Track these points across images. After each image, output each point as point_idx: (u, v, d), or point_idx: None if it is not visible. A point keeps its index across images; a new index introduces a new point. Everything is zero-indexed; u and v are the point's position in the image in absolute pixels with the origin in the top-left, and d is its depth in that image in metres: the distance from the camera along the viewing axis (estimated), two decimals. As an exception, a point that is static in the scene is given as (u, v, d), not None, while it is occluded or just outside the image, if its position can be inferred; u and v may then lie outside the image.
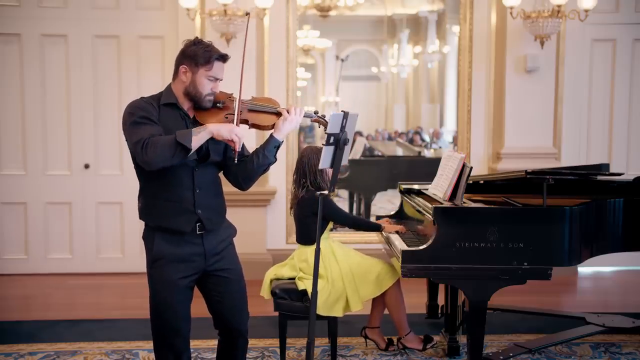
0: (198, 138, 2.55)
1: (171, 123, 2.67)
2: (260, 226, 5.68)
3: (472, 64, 5.85)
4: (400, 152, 7.86)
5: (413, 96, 8.43)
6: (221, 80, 2.74)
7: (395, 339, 4.02)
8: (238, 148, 2.58)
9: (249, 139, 3.02)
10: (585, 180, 3.93)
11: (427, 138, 8.17)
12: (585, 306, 4.97)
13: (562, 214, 3.36)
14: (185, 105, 2.73)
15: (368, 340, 4.05)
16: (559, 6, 5.24)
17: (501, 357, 3.59)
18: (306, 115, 2.81)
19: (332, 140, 2.78)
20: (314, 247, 3.64)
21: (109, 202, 5.86)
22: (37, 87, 5.76)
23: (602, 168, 4.11)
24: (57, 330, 4.41)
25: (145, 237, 2.82)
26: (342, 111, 2.78)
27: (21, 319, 4.72)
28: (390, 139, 8.20)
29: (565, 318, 4.37)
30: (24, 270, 5.84)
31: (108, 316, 4.74)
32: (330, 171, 3.76)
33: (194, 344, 3.41)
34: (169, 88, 2.75)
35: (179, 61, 2.71)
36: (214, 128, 2.57)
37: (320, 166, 2.86)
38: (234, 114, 2.67)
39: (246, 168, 2.76)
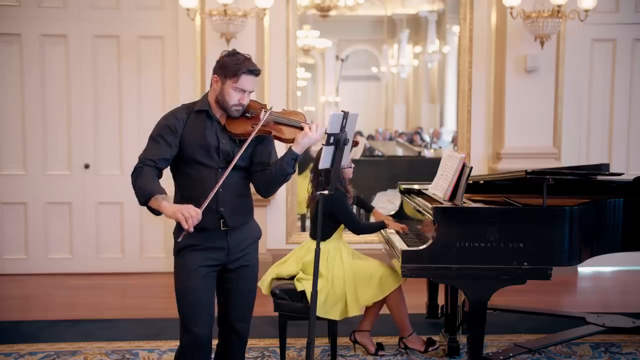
0: (152, 203, 2.66)
1: (200, 129, 2.81)
2: (260, 226, 5.66)
3: (472, 64, 5.84)
4: (400, 152, 7.87)
5: (413, 96, 8.44)
6: (252, 91, 2.83)
7: (391, 341, 4.02)
8: (185, 226, 2.58)
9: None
10: (585, 180, 3.93)
11: (427, 138, 8.17)
12: (585, 306, 4.97)
13: (562, 214, 3.36)
14: (218, 113, 2.85)
15: (357, 345, 3.98)
16: (559, 6, 5.24)
17: (501, 357, 3.59)
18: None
19: (332, 140, 2.78)
20: (325, 243, 3.75)
21: (109, 202, 5.85)
22: (37, 87, 5.76)
23: (602, 168, 4.12)
24: (57, 330, 4.41)
25: (174, 232, 2.91)
26: (342, 111, 2.79)
27: (21, 319, 4.72)
28: (390, 139, 8.21)
29: (565, 318, 4.38)
30: (24, 270, 5.84)
31: (108, 316, 4.74)
32: (347, 171, 3.85)
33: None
34: (205, 95, 2.90)
35: (214, 70, 2.84)
36: (164, 207, 2.63)
37: (320, 166, 2.88)
38: (258, 125, 2.78)
39: (266, 176, 2.86)
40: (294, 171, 2.85)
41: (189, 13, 5.34)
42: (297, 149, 2.80)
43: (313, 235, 3.85)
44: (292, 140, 2.84)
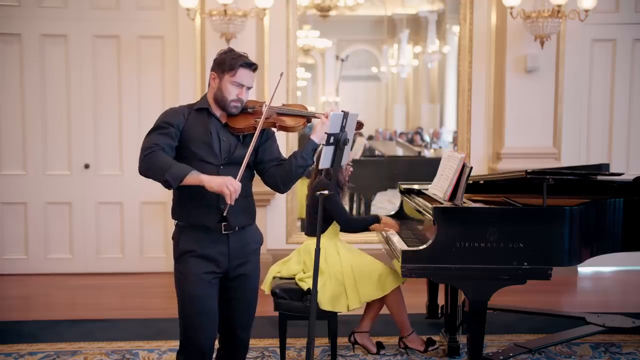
0: (189, 180, 2.60)
1: (201, 125, 2.78)
2: (260, 226, 5.60)
3: (472, 64, 5.84)
4: (400, 152, 7.87)
5: (413, 96, 8.44)
6: (249, 87, 2.81)
7: (391, 341, 4.02)
8: (229, 201, 2.60)
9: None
10: (585, 180, 3.93)
11: (427, 138, 8.18)
12: (585, 306, 4.97)
13: (562, 214, 3.36)
14: (218, 112, 2.83)
15: (357, 346, 3.98)
16: (559, 6, 5.24)
17: (501, 357, 3.59)
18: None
19: (332, 140, 2.78)
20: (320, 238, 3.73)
21: (109, 202, 5.86)
22: (37, 87, 5.76)
23: (602, 168, 4.12)
24: (57, 330, 4.41)
25: (174, 236, 2.89)
26: (342, 111, 2.79)
27: (21, 319, 4.72)
28: (390, 139, 8.21)
29: (565, 318, 4.37)
30: (24, 270, 5.84)
31: (108, 316, 4.74)
32: (348, 169, 3.83)
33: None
34: (204, 96, 2.88)
35: (211, 68, 2.83)
36: (206, 180, 2.61)
37: (320, 166, 2.87)
38: (263, 116, 2.76)
39: (285, 171, 2.84)
40: (314, 162, 2.85)
41: (189, 13, 5.34)
42: (317, 138, 2.81)
43: (307, 232, 3.91)
44: (296, 129, 2.84)
